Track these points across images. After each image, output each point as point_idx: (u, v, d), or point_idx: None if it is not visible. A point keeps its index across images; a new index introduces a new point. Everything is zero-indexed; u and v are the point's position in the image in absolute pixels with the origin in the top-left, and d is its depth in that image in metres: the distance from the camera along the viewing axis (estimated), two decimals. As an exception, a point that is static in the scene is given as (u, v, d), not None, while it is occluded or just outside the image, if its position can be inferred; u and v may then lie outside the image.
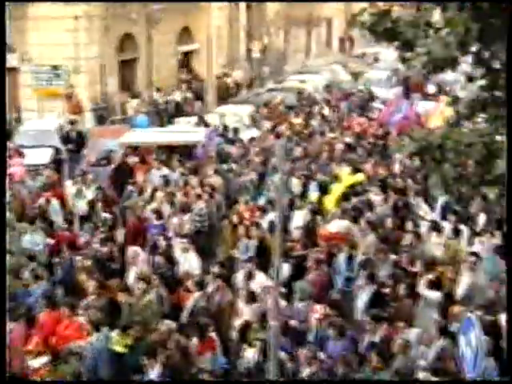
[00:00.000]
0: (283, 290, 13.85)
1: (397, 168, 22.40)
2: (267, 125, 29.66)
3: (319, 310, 13.41)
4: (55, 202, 19.74)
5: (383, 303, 13.81)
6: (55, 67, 34.39)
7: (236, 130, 27.95)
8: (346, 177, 20.33)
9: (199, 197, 19.13)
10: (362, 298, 14.24)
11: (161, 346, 12.33)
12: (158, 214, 18.22)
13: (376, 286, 14.25)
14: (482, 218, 18.00)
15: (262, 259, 15.32)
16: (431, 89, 37.44)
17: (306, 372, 11.82)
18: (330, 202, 18.79)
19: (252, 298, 14.02)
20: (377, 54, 50.65)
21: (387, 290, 14.23)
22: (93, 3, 35.27)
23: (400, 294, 13.89)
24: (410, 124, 25.10)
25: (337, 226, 17.00)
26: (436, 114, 26.45)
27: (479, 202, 18.08)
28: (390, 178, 21.06)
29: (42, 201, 19.69)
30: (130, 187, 20.62)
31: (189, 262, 15.91)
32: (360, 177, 20.25)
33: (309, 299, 13.95)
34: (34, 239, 17.05)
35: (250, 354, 12.35)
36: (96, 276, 15.14)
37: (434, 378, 11.47)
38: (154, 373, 11.93)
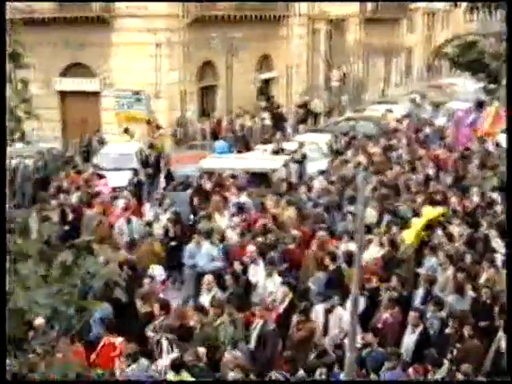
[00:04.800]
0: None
1: (475, 201, 21.97)
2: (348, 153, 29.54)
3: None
4: (136, 221, 20.05)
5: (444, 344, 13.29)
6: (136, 92, 35.03)
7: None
8: (427, 211, 19.87)
9: (264, 226, 19.03)
10: (410, 338, 13.76)
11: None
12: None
13: (423, 325, 13.71)
14: None
15: (337, 291, 15.10)
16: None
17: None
18: (409, 236, 18.37)
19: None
20: (455, 84, 50.09)
21: (449, 330, 13.70)
22: (175, 30, 35.78)
23: (465, 335, 13.28)
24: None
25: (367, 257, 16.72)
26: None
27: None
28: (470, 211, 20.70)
29: (122, 220, 20.04)
30: (201, 212, 20.62)
31: (273, 283, 15.87)
32: (442, 210, 19.73)
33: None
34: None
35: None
36: (163, 299, 15.18)
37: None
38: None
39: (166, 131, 35.00)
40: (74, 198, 22.16)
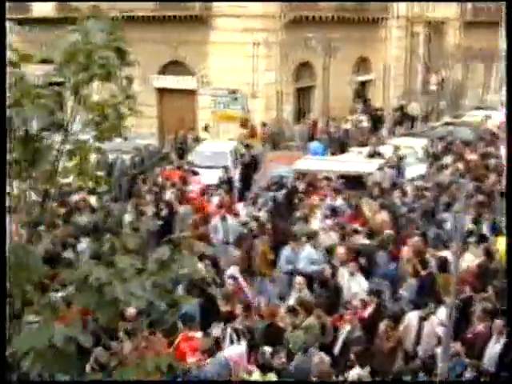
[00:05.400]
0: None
1: None
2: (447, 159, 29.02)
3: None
4: (231, 219, 20.21)
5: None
6: (233, 91, 35.28)
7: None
8: None
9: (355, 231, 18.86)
10: (495, 348, 13.37)
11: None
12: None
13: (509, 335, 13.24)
14: None
15: (430, 298, 14.86)
16: None
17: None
18: (503, 244, 17.95)
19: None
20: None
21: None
22: (273, 31, 35.90)
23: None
24: None
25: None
26: None
27: None
28: None
29: (217, 218, 20.21)
30: (298, 213, 20.58)
31: (358, 284, 15.74)
32: None
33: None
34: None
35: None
36: (246, 299, 15.26)
37: None
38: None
39: (255, 131, 35.11)
40: (169, 194, 22.47)
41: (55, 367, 5.72)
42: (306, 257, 17.39)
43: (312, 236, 18.04)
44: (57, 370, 5.75)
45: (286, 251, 17.82)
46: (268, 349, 12.76)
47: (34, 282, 6.09)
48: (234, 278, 16.02)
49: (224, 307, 14.92)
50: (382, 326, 13.85)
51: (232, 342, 13.27)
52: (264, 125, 35.47)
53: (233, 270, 16.70)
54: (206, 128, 35.05)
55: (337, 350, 13.81)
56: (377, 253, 17.49)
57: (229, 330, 13.39)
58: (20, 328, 6.02)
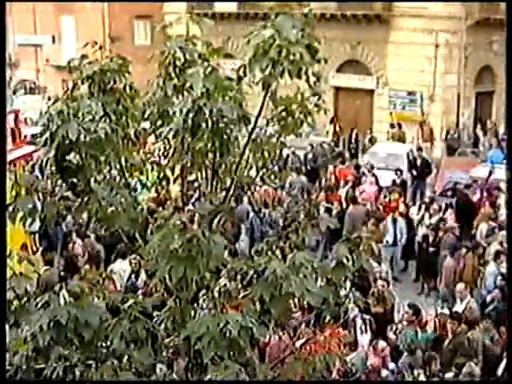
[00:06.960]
0: None
1: None
2: None
3: None
4: (401, 222, 19.99)
5: None
6: (411, 93, 34.80)
7: None
8: None
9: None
10: None
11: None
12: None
13: None
14: None
15: None
16: None
17: None
18: None
19: None
20: None
21: None
22: (455, 32, 35.14)
23: None
24: None
25: None
26: None
27: None
28: None
29: (389, 220, 20.05)
30: (492, 223, 19.93)
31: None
32: None
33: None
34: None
35: None
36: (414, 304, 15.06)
37: None
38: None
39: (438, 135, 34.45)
40: (343, 192, 22.48)
41: (226, 354, 5.82)
42: None
43: None
44: (227, 357, 5.84)
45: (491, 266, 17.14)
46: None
47: (211, 270, 6.22)
48: (385, 280, 15.86)
49: (375, 308, 14.81)
50: None
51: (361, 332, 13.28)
52: (421, 126, 34.57)
53: (381, 268, 16.54)
54: (392, 126, 34.42)
55: (500, 370, 13.38)
56: None
57: (359, 319, 13.33)
58: (195, 312, 6.18)
